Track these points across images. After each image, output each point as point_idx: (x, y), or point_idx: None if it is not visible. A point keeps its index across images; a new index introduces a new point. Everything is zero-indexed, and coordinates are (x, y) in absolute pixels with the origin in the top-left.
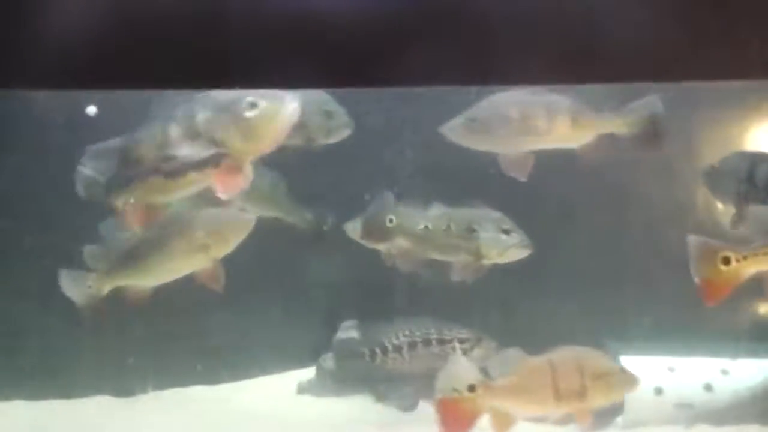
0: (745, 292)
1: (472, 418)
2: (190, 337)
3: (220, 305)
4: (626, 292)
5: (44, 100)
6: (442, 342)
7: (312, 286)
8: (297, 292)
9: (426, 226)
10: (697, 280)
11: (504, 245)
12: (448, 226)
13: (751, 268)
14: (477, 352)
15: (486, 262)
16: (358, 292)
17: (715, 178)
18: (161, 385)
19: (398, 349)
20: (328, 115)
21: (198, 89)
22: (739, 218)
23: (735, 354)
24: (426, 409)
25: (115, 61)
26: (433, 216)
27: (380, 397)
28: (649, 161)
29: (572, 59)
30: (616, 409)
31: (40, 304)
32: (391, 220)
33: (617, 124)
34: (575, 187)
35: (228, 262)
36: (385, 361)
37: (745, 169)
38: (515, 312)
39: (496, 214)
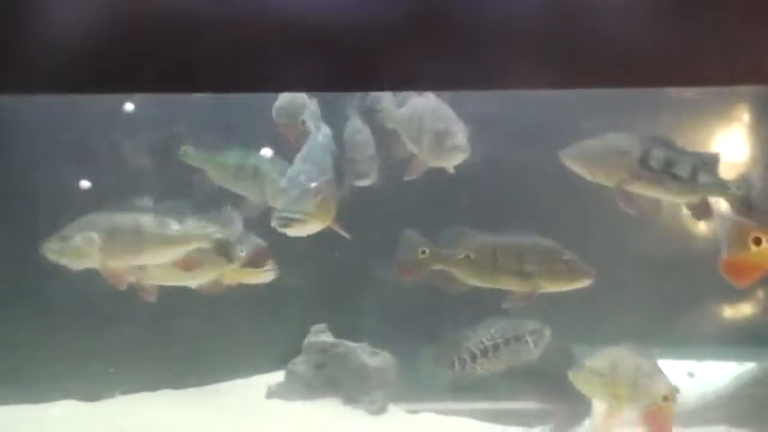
0: (714, 297)
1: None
2: (158, 342)
3: (188, 311)
4: (596, 299)
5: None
6: (517, 339)
7: (282, 290)
8: (268, 295)
9: (468, 256)
10: (726, 259)
11: (565, 277)
12: (494, 256)
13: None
14: (542, 341)
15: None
16: (327, 295)
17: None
18: (129, 389)
19: (485, 353)
20: None
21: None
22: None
23: (701, 357)
24: (395, 412)
25: (113, 65)
26: (475, 244)
27: (349, 401)
28: None
29: (564, 64)
30: (584, 412)
31: (8, 310)
32: (423, 252)
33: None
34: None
35: None
36: (474, 367)
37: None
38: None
39: (548, 243)
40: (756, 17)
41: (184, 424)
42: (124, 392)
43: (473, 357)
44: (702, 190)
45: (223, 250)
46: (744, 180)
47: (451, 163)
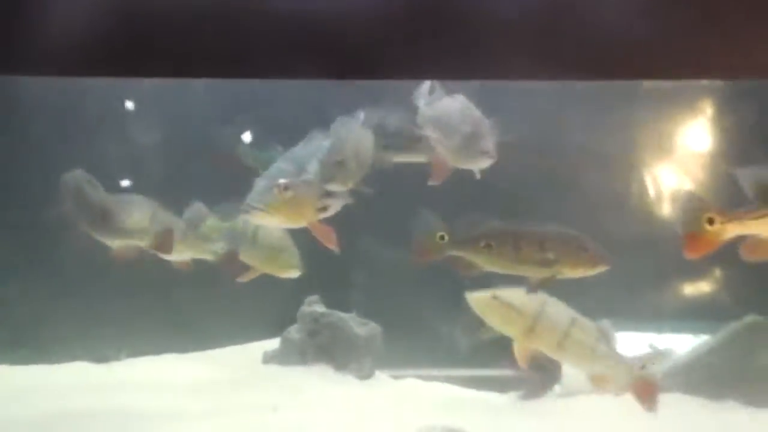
0: (674, 277)
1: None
2: (162, 309)
3: (191, 281)
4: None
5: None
6: None
7: None
8: None
9: (489, 245)
10: (681, 233)
11: (587, 264)
12: (517, 244)
13: (733, 230)
14: None
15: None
16: (320, 270)
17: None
18: (135, 353)
19: None
20: None
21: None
22: None
23: (661, 330)
24: (381, 377)
25: (118, 51)
26: (495, 232)
27: (339, 366)
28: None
29: (554, 57)
30: (554, 379)
31: (23, 277)
32: (442, 237)
33: None
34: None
35: None
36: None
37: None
38: None
39: (568, 230)
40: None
41: (186, 386)
42: (130, 355)
43: None
44: None
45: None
46: None
47: (478, 167)
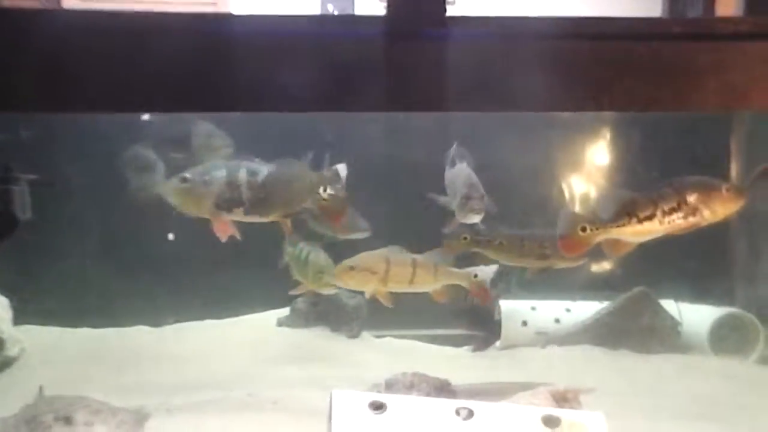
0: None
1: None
2: (204, 283)
3: (222, 260)
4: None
5: None
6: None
7: None
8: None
9: (501, 242)
10: (559, 236)
11: (569, 261)
12: (522, 244)
13: (600, 236)
14: None
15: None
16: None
17: None
18: (183, 318)
19: None
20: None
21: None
22: None
23: (575, 299)
24: (366, 337)
25: (104, 85)
26: (506, 235)
27: (335, 328)
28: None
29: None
30: (496, 336)
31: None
32: (465, 238)
33: None
34: None
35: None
36: None
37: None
38: None
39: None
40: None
41: (221, 343)
42: (178, 321)
43: None
44: None
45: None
46: None
47: (470, 221)
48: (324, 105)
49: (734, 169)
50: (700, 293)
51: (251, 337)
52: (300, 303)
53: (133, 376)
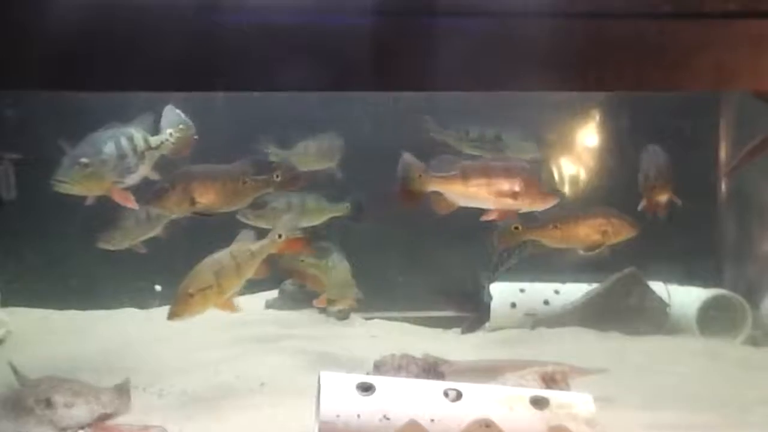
0: None
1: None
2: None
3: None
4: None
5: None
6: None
7: None
8: None
9: (555, 226)
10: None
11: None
12: (577, 224)
13: (432, 187)
14: None
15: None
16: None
17: None
18: (169, 301)
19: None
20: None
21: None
22: None
23: (563, 280)
24: (355, 319)
25: (103, 64)
26: (560, 217)
27: (323, 310)
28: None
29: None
30: (485, 318)
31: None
32: (516, 228)
33: None
34: None
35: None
36: None
37: None
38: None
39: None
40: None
41: (213, 324)
42: (165, 303)
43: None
44: None
45: None
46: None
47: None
48: (312, 85)
49: (723, 149)
50: (688, 275)
51: (239, 319)
52: (288, 285)
53: (121, 358)
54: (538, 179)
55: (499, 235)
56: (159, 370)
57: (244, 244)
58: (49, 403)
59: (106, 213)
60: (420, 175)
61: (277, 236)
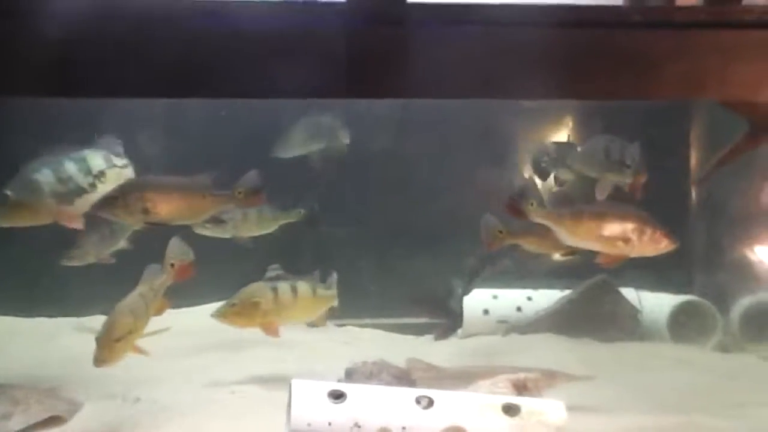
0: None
1: None
2: None
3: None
4: (464, 247)
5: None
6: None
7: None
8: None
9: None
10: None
11: None
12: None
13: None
14: None
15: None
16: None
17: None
18: None
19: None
20: None
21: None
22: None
23: (536, 287)
24: (329, 325)
25: (94, 69)
26: (546, 213)
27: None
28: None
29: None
30: (457, 325)
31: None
32: (500, 232)
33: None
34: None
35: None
36: None
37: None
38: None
39: None
40: None
41: (178, 332)
42: None
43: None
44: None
45: None
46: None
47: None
48: (284, 92)
49: (693, 158)
50: (659, 281)
51: (209, 325)
52: None
53: (89, 366)
54: (653, 226)
55: (486, 241)
56: (128, 379)
57: (149, 283)
58: None
59: (65, 233)
60: (532, 203)
61: (170, 266)
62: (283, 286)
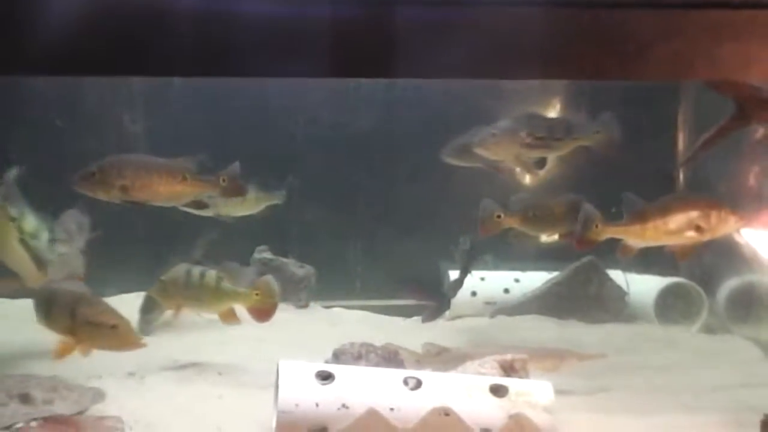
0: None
1: None
2: (145, 254)
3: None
4: (452, 228)
5: None
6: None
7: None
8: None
9: (534, 214)
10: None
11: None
12: (553, 211)
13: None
14: None
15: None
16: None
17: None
18: (125, 289)
19: None
20: None
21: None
22: None
23: (524, 269)
24: (315, 307)
25: (112, 47)
26: (537, 205)
27: (284, 299)
28: None
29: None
30: (445, 307)
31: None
32: (499, 216)
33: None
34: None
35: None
36: None
37: None
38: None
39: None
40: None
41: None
42: (122, 292)
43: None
44: (574, 141)
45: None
46: (601, 123)
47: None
48: (270, 71)
49: (680, 140)
50: (646, 263)
51: None
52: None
53: None
54: (718, 207)
55: (483, 225)
56: (117, 361)
57: None
58: (26, 399)
59: None
60: (597, 225)
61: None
62: (195, 271)
